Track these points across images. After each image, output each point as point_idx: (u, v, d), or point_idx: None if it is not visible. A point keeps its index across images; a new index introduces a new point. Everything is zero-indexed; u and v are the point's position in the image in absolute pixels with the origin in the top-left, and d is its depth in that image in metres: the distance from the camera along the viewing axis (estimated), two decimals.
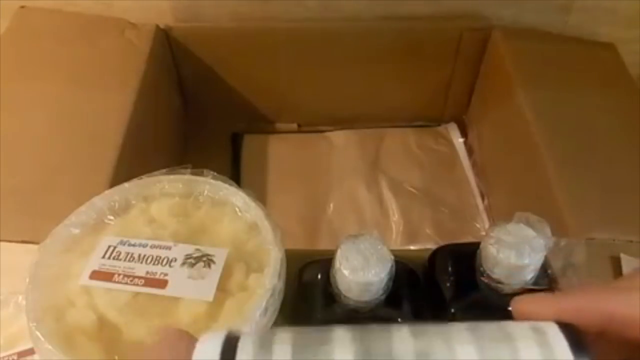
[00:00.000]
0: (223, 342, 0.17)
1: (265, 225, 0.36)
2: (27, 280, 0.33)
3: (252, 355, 0.17)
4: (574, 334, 0.18)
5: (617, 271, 0.41)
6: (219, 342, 0.17)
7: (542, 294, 0.21)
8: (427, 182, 0.65)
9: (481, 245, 0.36)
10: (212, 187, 0.39)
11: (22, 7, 0.60)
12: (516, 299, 0.21)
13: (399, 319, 0.38)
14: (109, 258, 0.34)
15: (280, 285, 0.33)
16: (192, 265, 0.33)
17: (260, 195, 0.39)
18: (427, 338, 0.18)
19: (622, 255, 0.42)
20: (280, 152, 0.69)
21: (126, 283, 0.33)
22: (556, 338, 0.18)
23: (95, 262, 0.34)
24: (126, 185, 0.39)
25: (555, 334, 0.18)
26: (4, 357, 0.36)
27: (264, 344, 0.17)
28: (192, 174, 0.39)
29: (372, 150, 0.68)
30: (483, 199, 0.64)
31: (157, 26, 0.59)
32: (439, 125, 0.72)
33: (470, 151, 0.69)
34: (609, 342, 0.20)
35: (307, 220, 0.62)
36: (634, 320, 0.19)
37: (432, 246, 0.55)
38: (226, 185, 0.38)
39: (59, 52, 0.56)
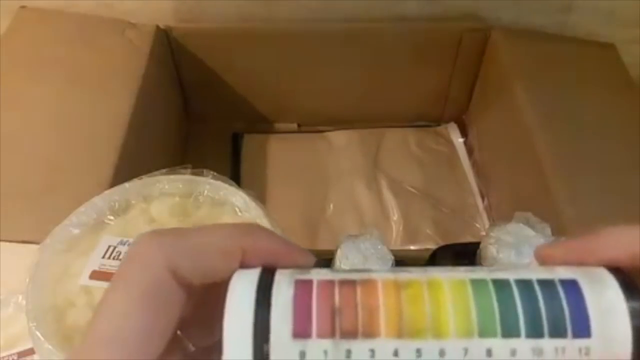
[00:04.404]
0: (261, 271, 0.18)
1: (265, 225, 0.36)
2: (27, 280, 0.33)
3: (289, 275, 0.17)
4: (625, 277, 0.17)
5: None
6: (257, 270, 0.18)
7: (567, 240, 0.19)
8: (427, 182, 0.65)
9: (481, 245, 0.36)
10: (212, 187, 0.39)
11: (22, 7, 0.60)
12: (539, 246, 0.19)
13: None
14: (109, 258, 0.34)
15: None
16: None
17: (260, 195, 0.39)
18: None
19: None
20: (280, 152, 0.69)
21: None
22: (605, 277, 0.17)
23: (95, 262, 0.34)
24: (126, 185, 0.39)
25: (603, 274, 0.17)
26: (4, 357, 0.36)
27: (302, 270, 0.18)
28: (192, 174, 0.39)
29: (372, 150, 0.69)
30: (483, 199, 0.64)
31: (157, 26, 0.59)
32: (439, 125, 0.72)
33: (470, 151, 0.69)
34: None
35: (307, 219, 0.62)
36: None
37: (432, 246, 0.55)
38: (226, 185, 0.38)
39: (59, 52, 0.56)
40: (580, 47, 0.62)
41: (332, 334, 0.16)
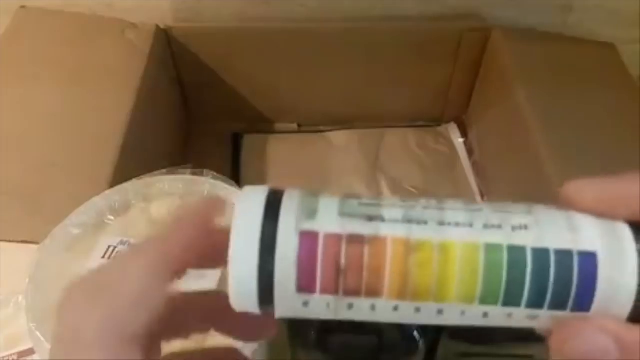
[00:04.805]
0: (269, 189, 0.18)
1: None
2: (27, 280, 0.33)
3: (298, 197, 0.17)
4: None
5: None
6: (265, 188, 0.18)
7: (595, 179, 0.18)
8: (427, 182, 0.65)
9: None
10: (212, 187, 0.39)
11: (22, 7, 0.60)
12: (569, 182, 0.18)
13: None
14: (108, 258, 0.34)
15: None
16: None
17: None
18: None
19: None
20: (280, 152, 0.69)
21: None
22: (628, 251, 0.17)
23: (95, 262, 0.34)
24: (126, 185, 0.39)
25: (628, 245, 0.17)
26: (4, 357, 0.36)
27: (311, 194, 0.18)
28: (192, 174, 0.39)
29: (372, 150, 0.68)
30: (483, 199, 0.64)
31: (157, 26, 0.59)
32: (439, 125, 0.72)
33: (470, 151, 0.69)
34: None
35: None
36: None
37: None
38: (226, 185, 0.38)
39: (59, 52, 0.56)
40: (580, 47, 0.62)
41: (335, 291, 0.16)
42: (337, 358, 0.38)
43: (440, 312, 0.17)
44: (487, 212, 0.17)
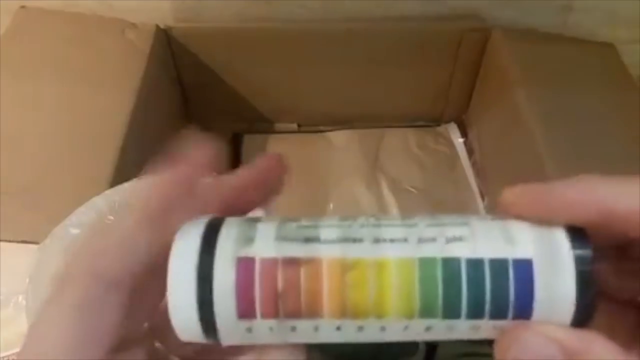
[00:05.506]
0: (208, 220, 0.18)
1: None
2: (27, 280, 0.33)
3: (236, 226, 0.17)
4: (580, 231, 0.17)
5: None
6: (204, 220, 0.18)
7: (534, 185, 0.18)
8: (427, 182, 0.65)
9: None
10: None
11: (22, 7, 0.60)
12: (507, 189, 0.19)
13: None
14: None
15: None
16: None
17: None
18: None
19: None
20: (280, 152, 0.68)
21: None
22: (564, 255, 0.17)
23: None
24: (126, 185, 0.39)
25: (563, 250, 0.17)
26: (4, 357, 0.36)
27: (249, 221, 0.18)
28: None
29: (372, 150, 0.68)
30: (483, 199, 0.64)
31: (157, 26, 0.59)
32: (439, 125, 0.72)
33: (470, 151, 0.69)
34: (605, 241, 0.17)
35: None
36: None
37: None
38: None
39: (59, 52, 0.56)
40: (580, 47, 0.62)
41: (275, 315, 0.16)
42: (337, 358, 0.38)
43: (382, 329, 0.17)
44: (423, 226, 0.18)
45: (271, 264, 0.17)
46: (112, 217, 0.38)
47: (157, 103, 0.59)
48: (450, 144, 0.70)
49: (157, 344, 0.19)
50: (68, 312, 0.17)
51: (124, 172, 0.45)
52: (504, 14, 0.62)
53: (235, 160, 0.67)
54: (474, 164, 0.67)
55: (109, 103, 0.51)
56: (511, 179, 0.59)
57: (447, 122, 0.72)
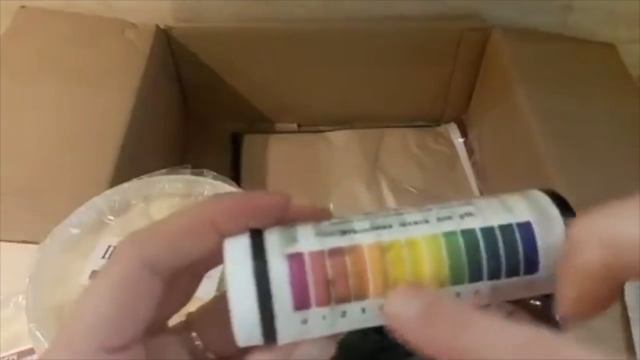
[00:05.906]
0: (251, 232, 0.19)
1: None
2: (27, 280, 0.33)
3: (276, 231, 0.19)
4: (560, 196, 0.20)
5: None
6: (247, 234, 0.19)
7: None
8: (427, 182, 0.65)
9: None
10: (212, 187, 0.39)
11: (22, 7, 0.60)
12: None
13: None
14: (108, 258, 0.34)
15: None
16: None
17: None
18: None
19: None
20: (280, 152, 0.69)
21: None
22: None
23: (95, 262, 0.34)
24: (126, 185, 0.39)
25: (550, 209, 0.20)
26: (4, 357, 0.36)
27: (286, 226, 0.20)
28: (192, 174, 0.39)
29: (372, 150, 0.68)
30: None
31: (157, 26, 0.59)
32: (439, 125, 0.72)
33: (470, 151, 0.69)
34: (609, 271, 0.16)
35: None
36: None
37: None
38: (226, 185, 0.38)
39: (59, 52, 0.56)
40: (580, 47, 0.62)
41: (328, 302, 0.18)
42: (338, 358, 0.38)
43: None
44: (437, 210, 0.20)
45: (319, 256, 0.18)
46: (112, 217, 0.38)
47: (157, 103, 0.59)
48: (450, 144, 0.70)
49: (197, 342, 0.21)
50: (112, 285, 0.18)
51: (124, 172, 0.45)
52: (504, 13, 0.62)
53: (235, 160, 0.67)
54: (474, 164, 0.67)
55: (109, 103, 0.51)
56: (511, 179, 0.59)
57: (447, 122, 0.72)
